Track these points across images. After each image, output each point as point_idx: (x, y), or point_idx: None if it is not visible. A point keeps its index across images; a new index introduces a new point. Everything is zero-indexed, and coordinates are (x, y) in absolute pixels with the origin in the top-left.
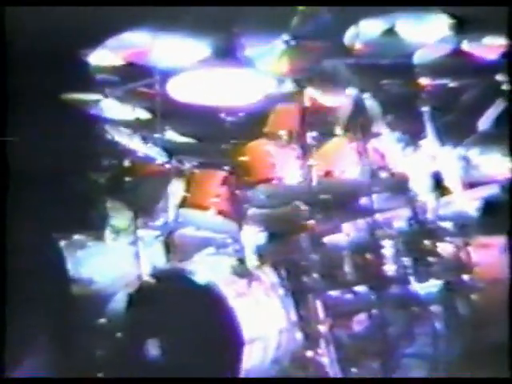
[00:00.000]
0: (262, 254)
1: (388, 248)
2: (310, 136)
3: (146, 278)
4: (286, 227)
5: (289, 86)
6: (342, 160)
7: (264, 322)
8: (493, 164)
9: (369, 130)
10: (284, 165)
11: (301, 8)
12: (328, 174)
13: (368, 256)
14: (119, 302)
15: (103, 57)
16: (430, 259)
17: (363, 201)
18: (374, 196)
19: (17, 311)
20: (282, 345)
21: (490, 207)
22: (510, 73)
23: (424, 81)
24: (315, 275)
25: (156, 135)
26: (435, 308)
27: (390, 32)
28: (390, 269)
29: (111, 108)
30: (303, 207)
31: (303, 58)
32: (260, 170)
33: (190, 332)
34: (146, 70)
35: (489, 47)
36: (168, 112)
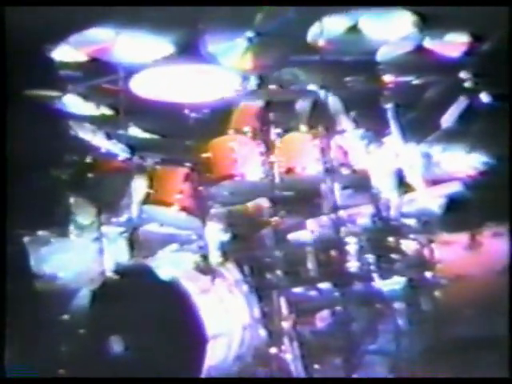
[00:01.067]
0: (225, 251)
1: (352, 245)
2: (274, 132)
3: (110, 274)
4: (249, 224)
5: (253, 83)
6: (304, 156)
7: (227, 318)
8: (455, 161)
9: (332, 126)
10: (247, 161)
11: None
12: (290, 170)
13: (332, 253)
14: (82, 298)
15: (67, 53)
16: (394, 256)
17: (326, 197)
18: (337, 193)
19: None
20: (246, 341)
21: (452, 204)
22: None
23: (387, 78)
24: (279, 272)
25: (119, 131)
26: (398, 305)
27: (354, 29)
28: (353, 266)
29: (75, 104)
30: (266, 204)
31: (267, 54)
32: (223, 166)
33: (154, 328)
34: (109, 67)
35: (451, 44)
36: (131, 108)
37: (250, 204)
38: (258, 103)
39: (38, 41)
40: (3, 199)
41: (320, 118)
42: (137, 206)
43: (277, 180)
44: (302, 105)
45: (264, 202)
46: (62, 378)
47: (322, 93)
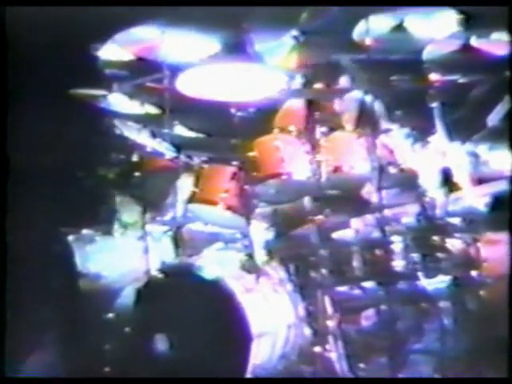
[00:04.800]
0: (270, 250)
1: (397, 244)
2: (320, 131)
3: (155, 272)
4: (294, 222)
5: (298, 82)
6: (351, 155)
7: (272, 317)
8: (502, 160)
9: (378, 126)
10: (293, 160)
11: None
12: (337, 169)
13: (376, 252)
14: (127, 296)
15: (113, 51)
16: (439, 255)
17: (372, 196)
18: (383, 192)
19: (25, 306)
20: (290, 340)
21: (498, 203)
22: None
23: (433, 77)
24: (324, 271)
25: (165, 130)
26: (443, 304)
27: (400, 28)
28: (398, 264)
29: (120, 103)
30: (312, 203)
31: (312, 53)
32: (269, 165)
33: (199, 327)
34: (155, 65)
35: (498, 43)
36: (177, 107)
37: (295, 203)
38: (303, 102)
39: (84, 39)
40: (49, 197)
41: (365, 118)
42: (182, 205)
43: (323, 179)
44: (348, 104)
45: (309, 201)
46: (62, 378)
47: (366, 93)
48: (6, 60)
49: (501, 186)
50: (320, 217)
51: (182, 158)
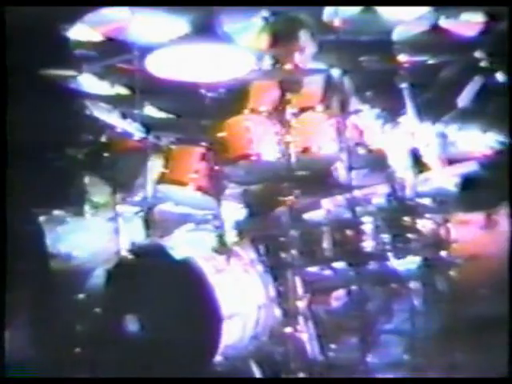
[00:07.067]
0: (241, 230)
1: (367, 224)
2: (290, 112)
3: (125, 253)
4: (265, 203)
5: (268, 62)
6: (320, 136)
7: (243, 298)
8: (471, 140)
9: (348, 106)
10: (263, 141)
11: None
12: (306, 150)
13: (347, 232)
14: (98, 277)
15: (82, 32)
16: (409, 236)
17: (342, 177)
18: (353, 172)
19: None
20: (261, 321)
21: (468, 184)
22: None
23: (403, 57)
24: (294, 251)
25: (135, 111)
26: (414, 284)
27: (369, 8)
28: (368, 245)
29: (90, 83)
30: (282, 183)
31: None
32: (239, 146)
33: (169, 308)
34: (124, 46)
35: (467, 24)
36: (147, 88)
37: (265, 183)
38: (273, 83)
39: (53, 20)
40: (19, 179)
41: (335, 98)
42: (152, 186)
43: (293, 160)
44: (316, 84)
45: (279, 182)
46: (62, 379)
47: (336, 72)
48: None
49: (470, 167)
50: (290, 198)
51: (151, 138)
